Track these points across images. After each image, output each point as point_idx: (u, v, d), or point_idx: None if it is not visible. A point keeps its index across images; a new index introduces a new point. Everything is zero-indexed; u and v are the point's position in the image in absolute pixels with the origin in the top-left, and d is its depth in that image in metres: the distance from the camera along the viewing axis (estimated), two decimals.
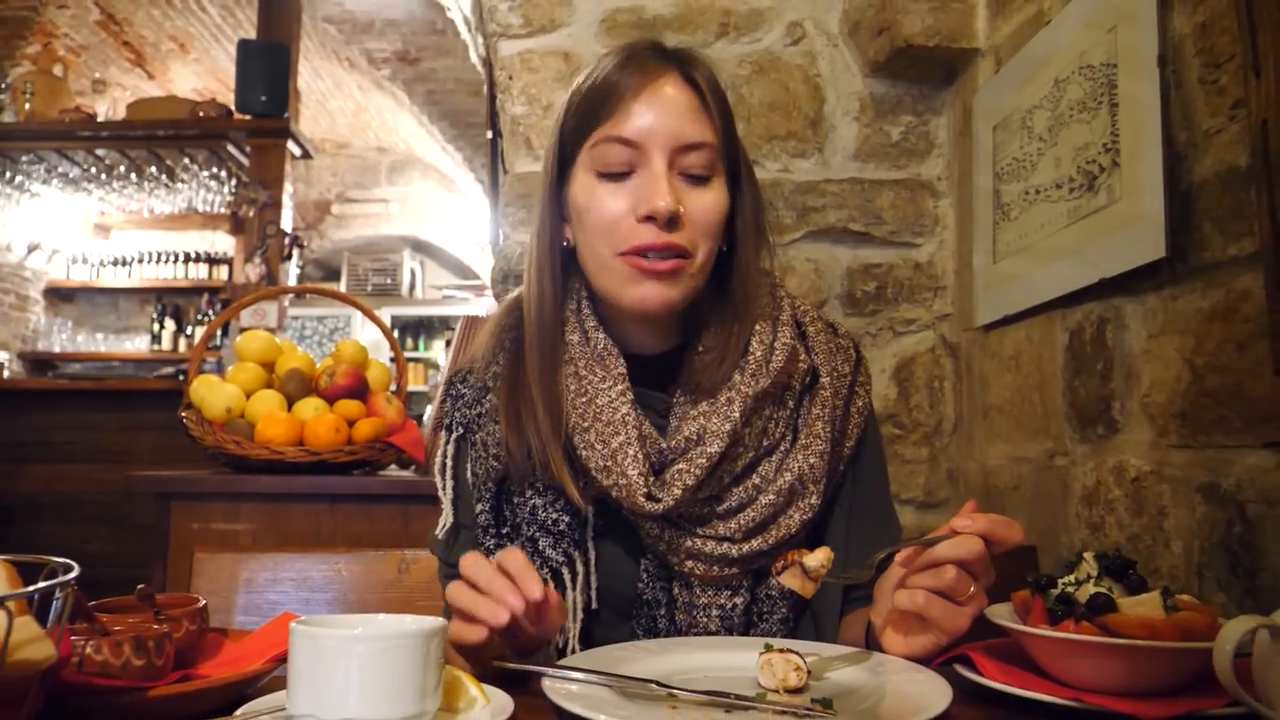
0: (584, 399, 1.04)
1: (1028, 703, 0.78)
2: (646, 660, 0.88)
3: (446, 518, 1.13)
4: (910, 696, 0.77)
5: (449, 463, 1.14)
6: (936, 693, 0.76)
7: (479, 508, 1.09)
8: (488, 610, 0.83)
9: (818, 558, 0.89)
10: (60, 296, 7.67)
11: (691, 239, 1.01)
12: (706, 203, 1.02)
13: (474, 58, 3.08)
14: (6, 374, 5.78)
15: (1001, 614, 0.89)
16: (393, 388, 2.19)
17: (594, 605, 1.06)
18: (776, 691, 0.80)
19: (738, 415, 1.02)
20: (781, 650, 0.82)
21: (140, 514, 4.14)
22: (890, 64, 2.23)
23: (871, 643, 0.96)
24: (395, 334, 8.75)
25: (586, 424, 1.03)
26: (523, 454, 1.05)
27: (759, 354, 1.05)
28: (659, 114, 1.00)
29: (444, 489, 1.14)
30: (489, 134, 2.82)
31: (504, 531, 1.09)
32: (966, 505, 0.91)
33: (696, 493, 1.01)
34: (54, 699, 0.66)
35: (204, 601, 0.88)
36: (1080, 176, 1.65)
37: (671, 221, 0.99)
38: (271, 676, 0.81)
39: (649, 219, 0.99)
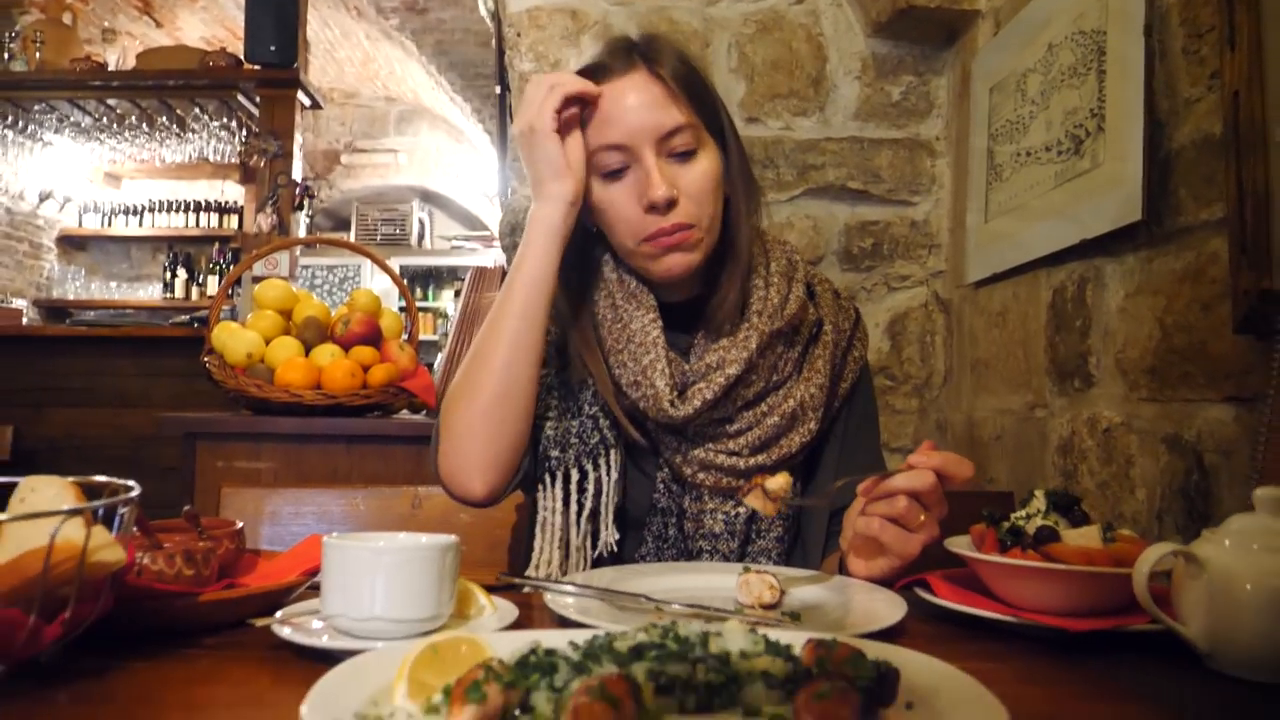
0: (619, 325, 1.20)
1: (975, 620, 0.88)
2: (638, 580, 0.98)
3: None
4: (869, 611, 0.87)
5: None
6: (892, 608, 0.86)
7: (542, 371, 1.20)
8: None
9: (777, 481, 0.99)
10: (73, 245, 7.75)
11: (690, 210, 1.15)
12: (697, 174, 1.16)
13: (483, 11, 3.12)
14: (24, 321, 5.87)
15: (961, 544, 0.98)
16: (405, 336, 2.28)
17: (620, 501, 1.19)
18: (753, 607, 0.90)
19: (754, 347, 1.17)
20: (758, 572, 0.92)
21: (158, 457, 4.26)
22: (892, 24, 2.28)
23: (844, 572, 1.06)
24: (404, 283, 8.79)
25: (620, 346, 1.18)
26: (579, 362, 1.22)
27: (775, 300, 1.21)
28: (636, 112, 1.13)
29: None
30: (498, 89, 2.87)
31: (565, 394, 1.22)
32: (924, 444, 1.00)
33: (713, 409, 1.16)
34: (118, 601, 0.75)
35: (241, 524, 0.97)
36: (1068, 140, 1.71)
37: (670, 204, 1.13)
38: (304, 589, 0.91)
39: (652, 208, 1.13)
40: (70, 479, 0.77)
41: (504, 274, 2.40)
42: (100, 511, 0.73)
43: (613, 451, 1.18)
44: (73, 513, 0.65)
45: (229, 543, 0.93)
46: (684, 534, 1.19)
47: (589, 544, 1.18)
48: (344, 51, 7.77)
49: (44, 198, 7.16)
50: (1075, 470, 1.67)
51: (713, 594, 0.94)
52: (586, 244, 1.25)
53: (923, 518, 0.97)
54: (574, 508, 1.17)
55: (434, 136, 8.77)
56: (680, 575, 1.02)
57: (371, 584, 0.74)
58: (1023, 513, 0.95)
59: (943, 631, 0.88)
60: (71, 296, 7.35)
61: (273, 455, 1.99)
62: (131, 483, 0.76)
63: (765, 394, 1.20)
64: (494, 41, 2.93)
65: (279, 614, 0.79)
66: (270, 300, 2.15)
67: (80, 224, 7.71)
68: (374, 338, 2.13)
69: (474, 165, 8.54)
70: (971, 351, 2.17)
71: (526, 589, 0.99)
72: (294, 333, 2.12)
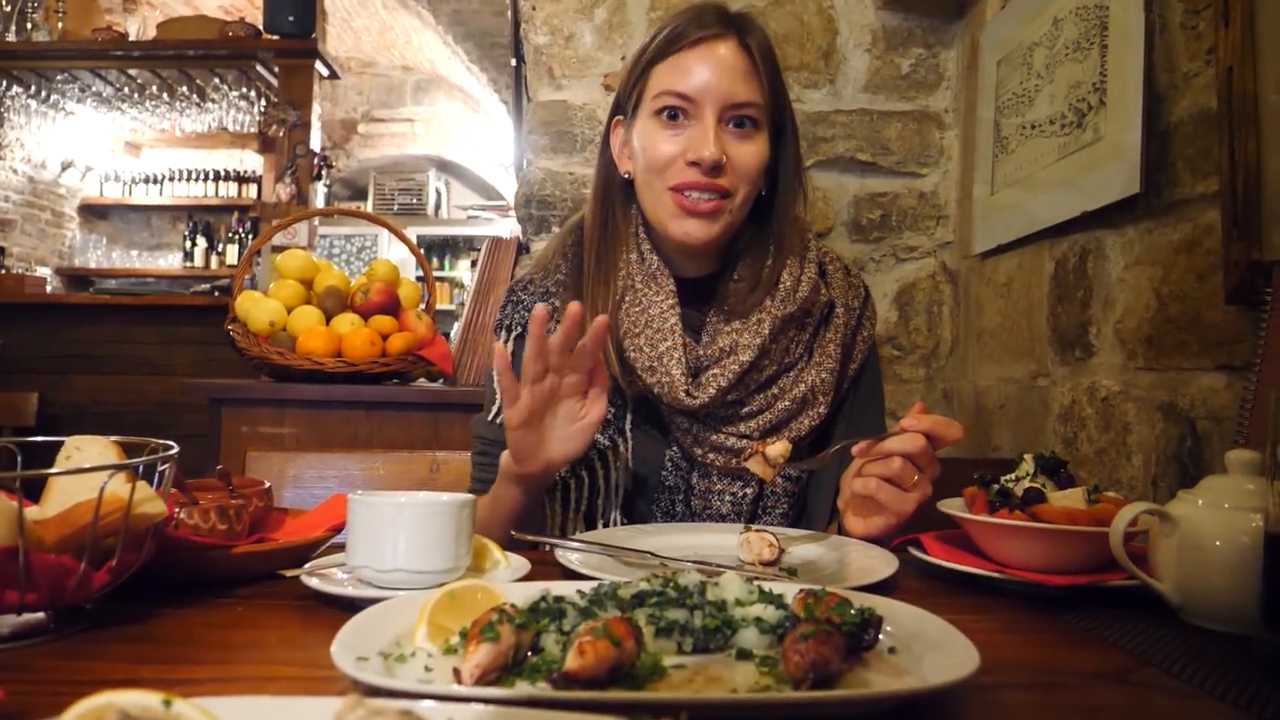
0: (637, 308, 1.22)
1: (964, 576, 0.93)
2: (644, 539, 1.03)
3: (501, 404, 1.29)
4: (862, 567, 0.92)
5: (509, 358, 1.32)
6: (884, 564, 0.91)
7: None
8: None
9: (777, 448, 1.04)
10: (94, 213, 7.84)
11: (733, 182, 1.18)
12: (749, 152, 1.19)
13: None
14: (48, 289, 5.96)
15: (954, 506, 1.03)
16: (422, 305, 2.33)
17: (628, 486, 1.23)
18: (753, 564, 0.95)
19: (767, 332, 1.20)
20: (758, 531, 0.97)
21: (181, 423, 4.35)
22: None
23: (843, 533, 1.12)
24: (421, 252, 8.77)
25: (638, 330, 1.21)
26: None
27: (788, 283, 1.24)
28: (715, 74, 1.17)
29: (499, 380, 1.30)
30: (513, 61, 2.90)
31: None
32: (915, 407, 1.05)
33: (727, 394, 1.19)
34: (158, 551, 0.81)
35: (269, 484, 1.03)
36: (1071, 113, 1.74)
37: (715, 168, 1.16)
38: (329, 544, 0.97)
39: (695, 164, 1.16)
40: (111, 438, 0.83)
41: (520, 245, 2.45)
42: (141, 468, 0.78)
43: (610, 454, 1.21)
44: (121, 468, 0.71)
45: (258, 500, 0.99)
46: (691, 511, 1.23)
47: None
48: (361, 20, 7.77)
49: (65, 166, 7.24)
50: (1075, 438, 1.71)
51: (716, 551, 1.00)
52: (614, 204, 1.28)
53: (916, 478, 1.02)
54: (572, 513, 1.22)
55: (450, 106, 8.78)
56: (685, 534, 1.07)
57: (394, 537, 0.80)
58: (1012, 475, 1.00)
59: (933, 587, 0.93)
60: (93, 265, 7.43)
61: (295, 421, 2.06)
62: (171, 443, 0.81)
63: (776, 377, 1.23)
64: (509, 14, 2.96)
65: (307, 566, 0.85)
66: (292, 270, 2.21)
67: (101, 193, 7.78)
68: (392, 307, 2.18)
69: (490, 135, 8.56)
70: (977, 321, 2.21)
71: (539, 547, 1.05)
72: (315, 302, 2.17)
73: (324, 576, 0.83)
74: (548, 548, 1.05)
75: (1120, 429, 1.58)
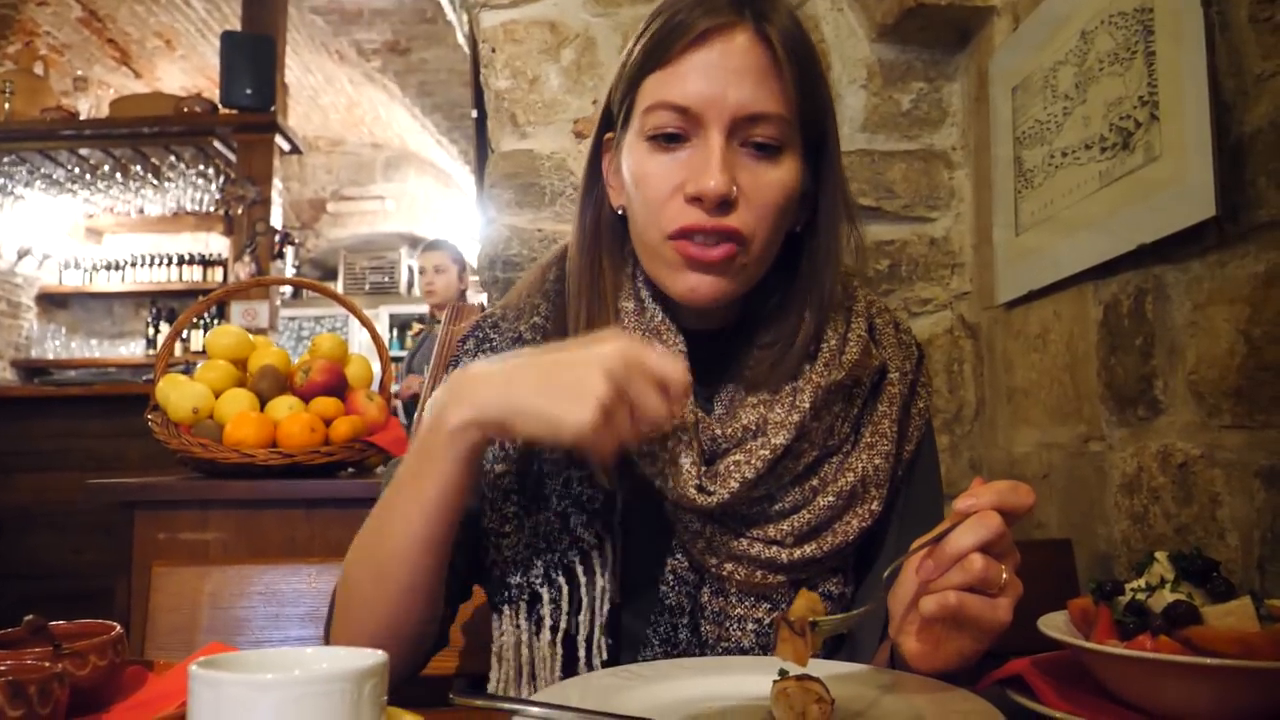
0: None
1: None
2: (639, 690, 0.74)
3: None
4: None
5: None
6: None
7: (499, 469, 0.95)
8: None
9: (800, 605, 0.76)
10: (53, 302, 7.55)
11: (748, 222, 0.88)
12: (770, 181, 0.89)
13: (460, 39, 2.95)
14: None
15: (1057, 625, 0.76)
16: (376, 384, 2.06)
17: (615, 600, 0.92)
18: None
19: (807, 406, 0.90)
20: (798, 678, 0.68)
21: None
22: (899, 26, 2.08)
23: (899, 665, 0.83)
24: (394, 332, 8.50)
25: None
26: None
27: (833, 343, 0.95)
28: (720, 78, 0.86)
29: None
30: (474, 113, 2.68)
31: (525, 498, 0.94)
32: (974, 482, 0.78)
33: (753, 488, 0.90)
34: None
35: (118, 630, 0.74)
36: (1113, 134, 1.51)
37: (724, 204, 0.86)
38: None
39: (697, 199, 0.86)
40: None
41: (484, 311, 2.19)
42: None
43: (595, 554, 0.91)
44: None
45: (97, 659, 0.71)
46: (699, 639, 0.92)
47: (560, 671, 0.91)
48: (328, 98, 7.65)
49: (22, 254, 6.97)
50: (1146, 513, 1.45)
51: (739, 705, 0.71)
52: (603, 243, 0.98)
53: (1004, 575, 0.75)
54: (545, 635, 0.91)
55: (421, 182, 8.64)
56: (696, 678, 0.78)
57: None
58: (1141, 582, 0.73)
59: None
60: (51, 355, 7.13)
61: (222, 524, 1.74)
62: None
63: (818, 463, 0.94)
64: (469, 63, 2.75)
65: None
66: (222, 349, 1.93)
67: (61, 281, 7.51)
68: (338, 387, 1.90)
69: (463, 209, 8.40)
70: (1007, 379, 1.95)
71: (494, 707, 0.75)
72: (249, 384, 1.89)
73: None
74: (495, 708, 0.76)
75: (1207, 501, 1.31)
